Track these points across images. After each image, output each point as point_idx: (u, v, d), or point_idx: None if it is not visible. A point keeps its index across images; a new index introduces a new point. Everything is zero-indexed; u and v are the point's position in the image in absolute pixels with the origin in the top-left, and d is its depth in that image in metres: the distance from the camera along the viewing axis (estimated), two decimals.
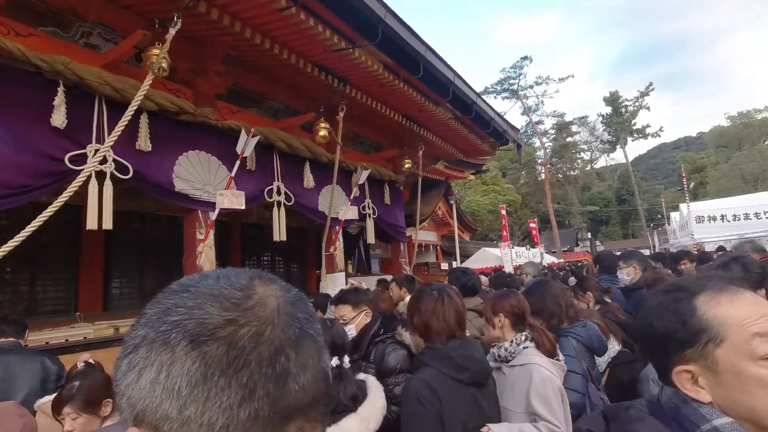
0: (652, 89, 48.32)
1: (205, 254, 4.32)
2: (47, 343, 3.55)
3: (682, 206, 14.55)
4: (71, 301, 5.65)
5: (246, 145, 4.46)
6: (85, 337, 3.84)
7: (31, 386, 1.69)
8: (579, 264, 14.64)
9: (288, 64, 4.43)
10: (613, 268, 4.20)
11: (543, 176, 40.74)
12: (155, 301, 0.45)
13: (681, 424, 0.78)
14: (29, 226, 2.91)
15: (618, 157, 55.86)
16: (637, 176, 54.25)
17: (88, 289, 5.79)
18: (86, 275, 5.79)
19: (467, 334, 1.84)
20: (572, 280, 5.40)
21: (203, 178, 4.37)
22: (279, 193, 5.17)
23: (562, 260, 23.88)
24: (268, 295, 0.45)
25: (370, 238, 6.83)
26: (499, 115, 7.23)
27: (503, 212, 17.41)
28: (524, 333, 1.92)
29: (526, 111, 44.95)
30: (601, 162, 57.04)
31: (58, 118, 3.25)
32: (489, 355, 1.94)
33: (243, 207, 4.62)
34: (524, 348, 1.86)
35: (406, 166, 7.28)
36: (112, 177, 3.51)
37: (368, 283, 5.88)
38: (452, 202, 13.50)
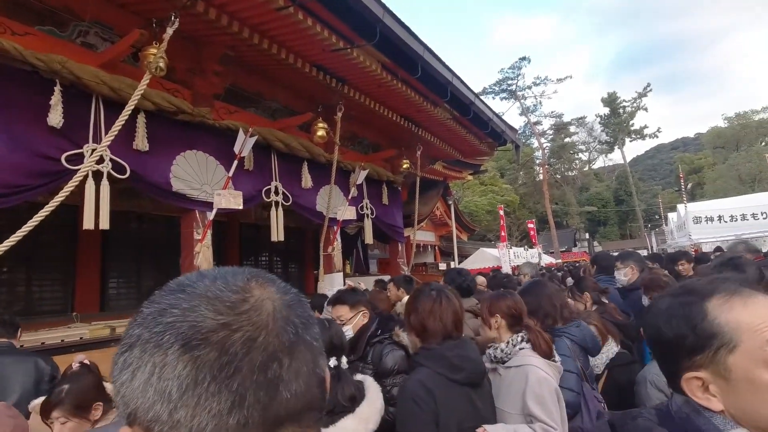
0: (650, 90, 48.57)
1: (203, 254, 4.30)
2: (43, 343, 3.54)
3: (680, 207, 14.58)
4: (68, 301, 5.63)
5: (244, 145, 4.46)
6: (81, 338, 3.83)
7: (25, 387, 1.67)
8: (577, 264, 14.66)
9: (286, 64, 4.42)
10: (610, 269, 4.20)
11: (541, 177, 40.83)
12: (152, 299, 0.45)
13: None
14: (25, 225, 2.89)
15: (616, 157, 56.13)
16: (635, 177, 54.44)
17: (85, 289, 5.77)
18: (83, 275, 5.77)
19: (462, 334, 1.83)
20: (570, 281, 5.40)
21: (201, 178, 4.36)
22: (277, 193, 5.16)
23: (559, 260, 23.91)
24: (264, 298, 0.45)
25: (368, 238, 6.82)
26: (497, 115, 7.23)
27: (501, 212, 17.45)
28: (520, 334, 1.91)
29: (525, 111, 45.07)
30: (599, 162, 57.31)
31: (55, 118, 3.23)
32: (485, 356, 1.93)
33: (241, 207, 4.61)
34: (520, 349, 1.85)
35: (405, 166, 7.27)
36: (109, 177, 3.50)
37: (367, 283, 5.89)
38: (450, 202, 13.50)
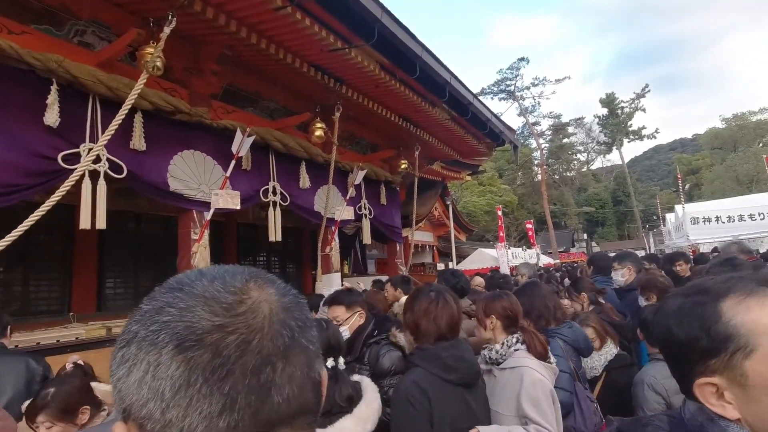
0: (648, 91, 48.69)
1: (200, 254, 4.29)
2: (38, 343, 3.52)
3: (678, 207, 14.58)
4: (65, 301, 5.61)
5: (241, 145, 4.45)
6: (77, 338, 3.82)
7: (16, 388, 1.65)
8: (574, 265, 14.68)
9: (284, 64, 4.41)
10: (607, 270, 4.21)
11: (539, 177, 40.86)
12: (151, 296, 0.45)
13: None
14: (21, 225, 2.89)
15: (614, 158, 56.06)
16: (633, 177, 54.55)
17: (81, 289, 5.75)
18: (80, 275, 5.74)
19: None
20: (567, 282, 5.40)
21: (198, 178, 4.35)
22: (275, 193, 5.15)
23: (558, 261, 23.94)
24: (261, 300, 0.44)
25: (366, 238, 6.82)
26: (495, 116, 7.24)
27: (499, 213, 17.44)
28: (515, 335, 1.90)
29: (523, 112, 45.09)
30: (597, 163, 57.37)
31: (51, 117, 3.22)
32: (480, 357, 1.93)
33: (238, 207, 4.60)
34: (515, 350, 1.84)
35: (403, 166, 7.27)
36: (106, 176, 3.49)
37: (366, 283, 5.88)
38: (448, 202, 13.49)
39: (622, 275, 3.82)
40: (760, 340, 0.67)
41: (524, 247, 21.57)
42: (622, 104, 48.92)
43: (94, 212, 3.38)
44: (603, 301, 3.43)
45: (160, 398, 0.39)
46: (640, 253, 8.20)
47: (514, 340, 1.88)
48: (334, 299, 2.39)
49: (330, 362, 1.75)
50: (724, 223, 12.23)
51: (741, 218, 12.03)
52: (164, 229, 6.64)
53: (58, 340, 3.67)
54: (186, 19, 3.49)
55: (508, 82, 43.74)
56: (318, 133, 5.33)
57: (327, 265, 6.03)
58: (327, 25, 3.93)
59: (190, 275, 0.46)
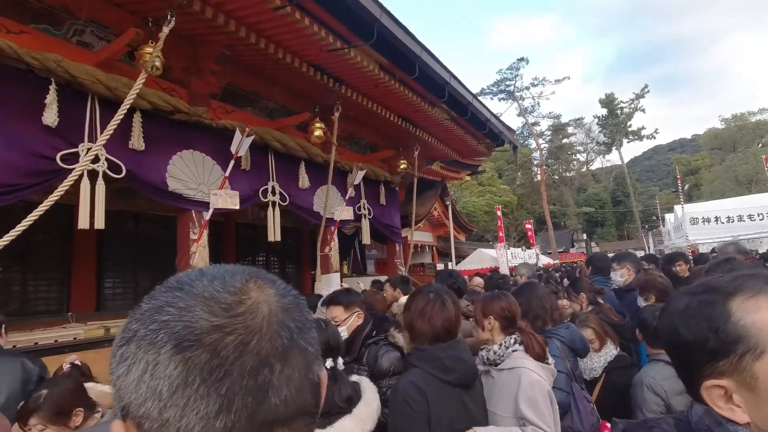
0: (648, 91, 48.74)
1: (199, 254, 4.29)
2: (36, 343, 3.52)
3: (677, 208, 14.59)
4: (64, 301, 5.60)
5: (240, 145, 4.44)
6: (75, 338, 3.81)
7: (12, 388, 1.63)
8: (574, 265, 14.68)
9: (283, 64, 4.41)
10: (605, 270, 4.21)
11: (539, 177, 40.89)
12: (152, 295, 0.45)
13: None
14: (19, 225, 2.88)
15: (613, 158, 56.07)
16: (633, 178, 54.58)
17: (80, 289, 5.74)
18: (79, 275, 5.74)
19: None
20: (567, 282, 5.40)
21: (197, 178, 4.35)
22: (274, 193, 5.14)
23: (557, 261, 23.95)
24: (260, 301, 0.44)
25: (366, 238, 6.81)
26: (494, 116, 7.24)
27: (499, 213, 17.46)
28: (513, 336, 1.89)
29: (523, 112, 45.11)
30: (597, 163, 57.40)
31: (50, 117, 3.21)
32: (478, 358, 1.92)
33: (237, 207, 4.60)
34: (513, 351, 1.83)
35: (402, 166, 7.26)
36: (105, 176, 3.48)
37: (366, 283, 5.88)
38: (448, 202, 13.50)
39: (621, 276, 3.82)
40: None
41: (524, 247, 21.58)
42: (622, 104, 48.97)
43: (92, 212, 3.37)
44: (602, 302, 3.43)
45: (157, 397, 0.39)
46: (640, 254, 8.20)
47: (512, 341, 1.87)
48: (333, 299, 2.38)
49: (329, 363, 1.74)
50: (723, 223, 12.23)
51: (740, 219, 12.03)
52: (163, 229, 6.63)
53: (56, 340, 3.67)
54: (185, 19, 3.49)
55: (507, 83, 43.82)
56: (317, 133, 5.33)
57: (326, 265, 6.02)
58: (326, 25, 3.93)
59: (190, 274, 0.46)
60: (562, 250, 34.84)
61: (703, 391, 0.69)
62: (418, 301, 1.80)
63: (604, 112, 49.64)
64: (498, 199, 31.23)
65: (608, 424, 2.18)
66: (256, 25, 3.80)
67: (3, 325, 2.47)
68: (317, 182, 5.75)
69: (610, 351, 2.68)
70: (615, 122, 48.41)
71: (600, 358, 2.65)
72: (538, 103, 46.18)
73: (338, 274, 6.16)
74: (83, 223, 3.34)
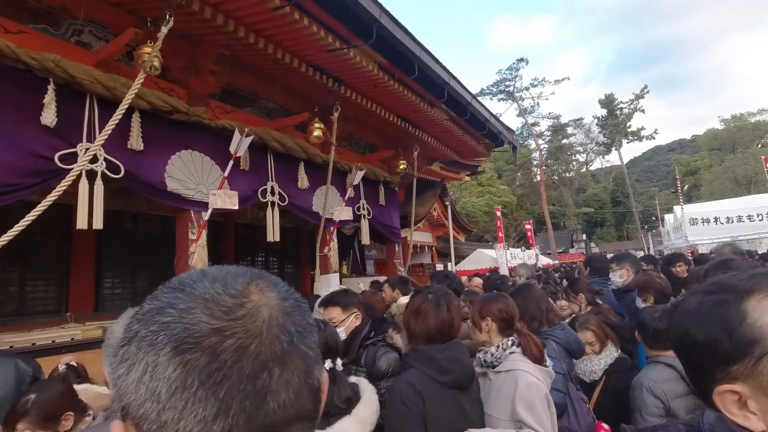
0: (647, 92, 48.74)
1: (198, 254, 4.28)
2: (33, 344, 3.51)
3: (676, 208, 14.59)
4: (62, 301, 5.59)
5: (239, 145, 4.44)
6: (72, 338, 3.80)
7: (5, 390, 1.62)
8: (573, 265, 14.68)
9: (282, 64, 4.41)
10: (603, 271, 4.20)
11: (538, 178, 40.89)
12: (154, 295, 0.45)
13: None
14: (17, 225, 2.88)
15: (613, 159, 56.10)
16: (632, 178, 54.62)
17: (79, 289, 5.73)
18: (77, 275, 5.73)
19: None
20: (565, 283, 5.40)
21: (196, 178, 4.34)
22: (273, 193, 5.14)
23: (556, 262, 23.96)
24: (261, 304, 0.44)
25: (365, 239, 6.81)
26: (494, 116, 7.23)
27: (498, 214, 17.45)
28: (511, 338, 1.88)
29: (522, 113, 45.11)
30: (596, 164, 57.34)
31: (48, 117, 3.21)
32: (475, 360, 1.91)
33: (236, 207, 4.59)
34: (510, 353, 1.82)
35: (401, 167, 7.26)
36: (103, 176, 3.48)
37: (366, 284, 5.87)
38: (447, 203, 13.48)
39: (620, 276, 3.81)
40: None
41: (523, 247, 21.56)
42: (621, 105, 48.98)
43: (91, 212, 3.37)
44: (600, 302, 3.42)
45: (156, 399, 0.39)
46: (639, 254, 8.19)
47: (510, 342, 1.85)
48: (330, 300, 2.37)
49: (328, 364, 1.74)
50: (722, 224, 12.23)
51: (740, 219, 12.04)
52: (162, 229, 6.62)
53: (53, 341, 3.66)
54: (184, 19, 3.49)
55: (507, 83, 43.81)
56: (316, 133, 5.32)
57: (325, 266, 6.02)
58: (325, 25, 3.93)
59: (192, 275, 0.46)
60: (561, 250, 34.86)
61: (716, 397, 0.65)
62: (415, 300, 1.80)
63: (603, 112, 49.68)
64: (497, 200, 31.24)
65: (604, 425, 2.18)
66: (255, 25, 3.80)
67: None
68: (316, 182, 5.75)
69: (611, 353, 2.65)
70: (614, 123, 48.42)
71: (600, 360, 2.63)
72: (538, 104, 46.24)
73: (337, 275, 6.16)
74: (82, 223, 3.33)
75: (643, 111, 48.73)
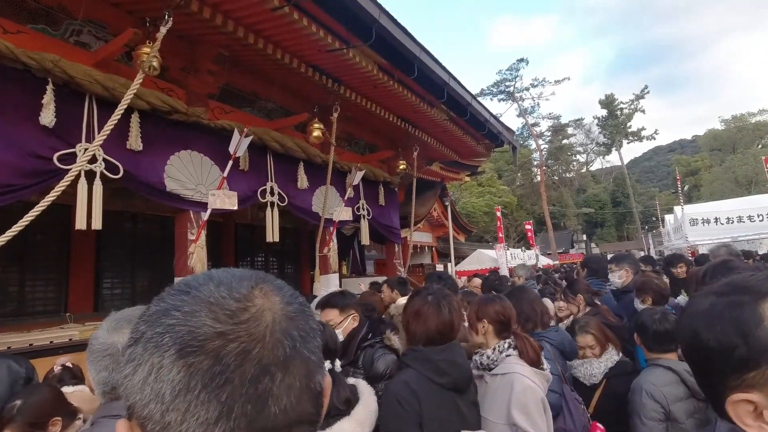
0: (648, 92, 48.73)
1: (197, 255, 4.28)
2: (31, 344, 3.50)
3: (677, 209, 14.58)
4: (61, 301, 5.59)
5: (239, 145, 4.43)
6: (70, 339, 3.79)
7: None
8: (574, 266, 14.67)
9: (281, 64, 4.40)
10: (601, 272, 4.20)
11: (539, 178, 40.88)
12: (161, 297, 0.46)
13: None
14: (16, 225, 2.88)
15: (613, 159, 56.01)
16: (632, 179, 54.58)
17: (78, 289, 5.73)
18: (77, 275, 5.73)
19: None
20: (564, 283, 5.39)
21: (195, 178, 4.34)
22: (272, 193, 5.14)
23: (557, 262, 23.95)
24: (265, 309, 0.44)
25: (365, 239, 6.81)
26: (494, 116, 7.23)
27: (498, 214, 17.45)
28: (508, 340, 1.87)
29: (522, 113, 45.12)
30: (597, 164, 57.27)
31: (47, 117, 3.20)
32: (471, 362, 1.90)
33: (235, 207, 4.59)
34: (507, 356, 1.81)
35: (401, 167, 7.26)
36: (102, 176, 3.47)
37: (367, 285, 5.87)
38: (447, 203, 13.47)
39: (619, 277, 3.80)
40: None
41: (523, 248, 21.57)
42: (622, 105, 48.94)
43: (90, 212, 3.37)
44: (599, 303, 3.41)
45: (160, 400, 0.39)
46: (639, 255, 8.18)
47: (506, 345, 1.84)
48: (327, 302, 2.36)
49: (327, 365, 1.73)
50: (722, 224, 12.21)
51: (740, 220, 12.02)
52: (161, 229, 6.62)
53: (51, 341, 3.65)
54: (182, 19, 3.48)
55: (507, 83, 43.81)
56: (316, 133, 5.32)
57: (325, 266, 6.02)
58: (325, 26, 3.92)
59: (198, 278, 0.47)
60: (561, 250, 34.86)
61: (729, 406, 0.61)
62: (415, 302, 1.79)
63: (603, 112, 49.64)
64: (498, 200, 31.23)
65: (599, 425, 2.17)
66: (254, 26, 3.80)
67: None
68: (316, 183, 5.75)
69: (612, 357, 2.62)
70: (615, 123, 48.38)
71: (600, 364, 2.60)
72: (538, 104, 46.17)
73: (337, 275, 6.16)
74: (81, 223, 3.33)
75: (643, 111, 48.74)
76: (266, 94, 5.35)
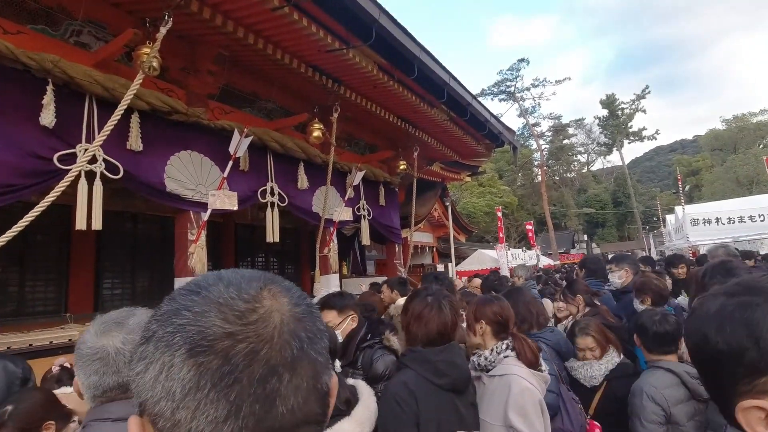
0: (649, 92, 48.67)
1: (197, 255, 4.28)
2: (31, 345, 3.50)
3: (678, 209, 14.57)
4: (62, 301, 5.60)
5: (239, 146, 4.43)
6: (70, 339, 3.79)
7: None
8: (574, 266, 14.66)
9: (281, 65, 4.40)
10: (599, 272, 4.19)
11: (539, 178, 40.85)
12: (171, 296, 0.47)
13: None
14: (16, 225, 2.88)
15: (614, 159, 55.99)
16: (633, 179, 54.54)
17: (78, 289, 5.74)
18: (77, 276, 5.74)
19: None
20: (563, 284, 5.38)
21: (195, 179, 4.34)
22: (272, 194, 5.14)
23: (558, 262, 23.93)
24: (273, 310, 0.45)
25: (365, 239, 6.80)
26: (494, 116, 7.22)
27: (499, 214, 17.44)
28: (505, 342, 1.86)
29: (523, 113, 45.09)
30: (598, 164, 57.23)
31: (47, 117, 3.21)
32: (469, 363, 1.89)
33: (235, 208, 4.59)
34: (504, 357, 1.80)
35: (402, 167, 7.25)
36: (103, 177, 3.48)
37: (368, 285, 5.87)
38: (448, 203, 13.47)
39: (619, 277, 3.80)
40: None
41: (524, 248, 21.56)
42: (623, 105, 48.90)
43: (90, 213, 3.37)
44: (598, 303, 3.41)
45: (171, 398, 0.40)
46: (640, 255, 8.17)
47: (504, 346, 1.83)
48: (326, 303, 2.35)
49: None
50: (724, 224, 12.19)
51: (741, 220, 12.00)
52: (161, 229, 6.63)
53: (51, 342, 3.66)
54: (182, 19, 3.48)
55: (508, 83, 43.78)
56: (316, 133, 5.32)
57: (325, 267, 6.02)
58: (324, 26, 3.92)
59: (209, 279, 0.48)
60: (562, 251, 34.83)
61: (739, 413, 0.58)
62: (415, 304, 1.78)
63: (604, 112, 49.60)
64: (498, 200, 31.20)
65: (597, 423, 2.17)
66: (254, 26, 3.80)
67: None
68: (316, 183, 5.74)
69: (612, 359, 2.59)
70: (616, 123, 48.33)
71: (601, 366, 2.57)
72: (539, 104, 46.20)
73: (337, 276, 6.15)
74: (81, 223, 3.33)
75: (644, 111, 48.71)
76: (266, 95, 5.35)
